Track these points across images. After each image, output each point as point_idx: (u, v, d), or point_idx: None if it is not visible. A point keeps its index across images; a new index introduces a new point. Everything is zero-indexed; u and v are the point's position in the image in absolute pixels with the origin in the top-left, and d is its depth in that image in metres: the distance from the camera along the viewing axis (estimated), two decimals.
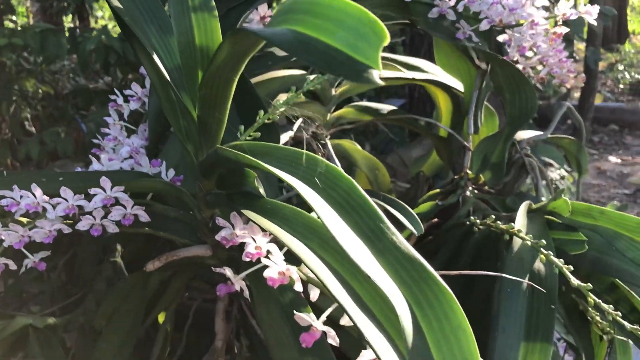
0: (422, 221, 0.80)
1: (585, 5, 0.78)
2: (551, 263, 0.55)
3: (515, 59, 0.77)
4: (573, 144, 0.87)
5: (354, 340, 0.43)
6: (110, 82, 2.53)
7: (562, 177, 3.32)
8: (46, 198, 0.50)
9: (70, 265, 0.98)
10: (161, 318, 0.68)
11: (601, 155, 4.85)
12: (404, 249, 0.33)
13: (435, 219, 0.82)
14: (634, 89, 6.60)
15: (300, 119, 0.87)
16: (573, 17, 0.73)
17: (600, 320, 0.64)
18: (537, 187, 0.79)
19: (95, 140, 0.69)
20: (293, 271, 0.40)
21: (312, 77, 0.79)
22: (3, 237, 0.52)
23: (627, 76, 7.03)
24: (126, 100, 0.70)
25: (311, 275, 0.42)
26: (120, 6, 0.46)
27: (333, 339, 0.39)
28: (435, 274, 0.32)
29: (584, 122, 3.30)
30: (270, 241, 0.42)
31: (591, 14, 0.73)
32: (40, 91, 2.98)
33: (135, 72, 2.00)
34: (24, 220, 0.54)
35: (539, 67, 0.80)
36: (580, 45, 5.12)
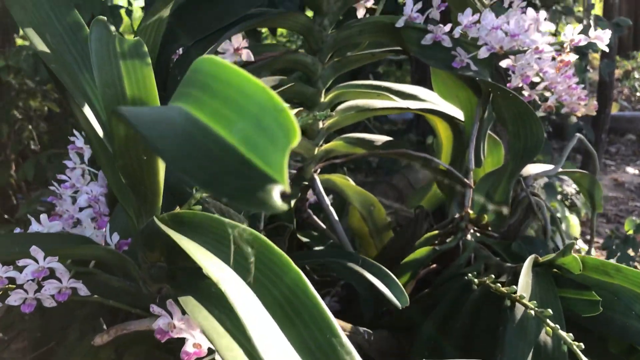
0: (419, 267, 0.72)
1: (598, 14, 0.70)
2: (560, 338, 0.47)
3: (520, 85, 0.70)
4: (585, 178, 0.79)
5: None
6: None
7: (578, 192, 3.22)
8: None
9: (42, 315, 0.92)
10: None
11: (618, 166, 4.72)
12: None
13: (434, 265, 0.74)
14: None
15: None
16: (582, 44, 0.65)
17: None
18: (546, 231, 0.71)
19: (51, 187, 0.63)
20: None
21: (294, 111, 0.72)
22: None
23: None
24: (87, 142, 0.63)
25: None
26: (47, 50, 0.40)
27: None
28: None
29: (600, 134, 3.19)
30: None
31: (602, 40, 0.65)
32: (45, 109, 2.95)
33: None
34: None
35: (547, 94, 0.72)
36: (595, 55, 5.01)
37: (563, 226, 2.63)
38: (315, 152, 0.79)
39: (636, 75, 7.25)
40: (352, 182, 0.85)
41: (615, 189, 4.22)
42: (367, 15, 0.75)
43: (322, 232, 0.86)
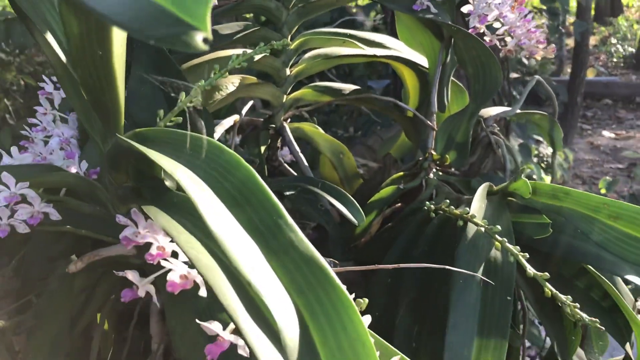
0: (383, 206, 0.75)
1: None
2: (507, 251, 0.50)
3: (482, 31, 0.72)
4: (545, 120, 0.82)
5: None
6: None
7: (554, 153, 3.28)
8: None
9: (22, 266, 0.94)
10: (99, 319, 0.64)
11: (595, 130, 4.81)
12: (303, 248, 0.28)
13: (399, 204, 0.77)
14: (628, 63, 6.54)
15: (251, 102, 0.82)
16: None
17: (573, 307, 0.60)
18: (505, 167, 0.74)
19: (23, 132, 0.64)
20: (196, 275, 0.35)
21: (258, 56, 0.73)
22: None
23: (621, 50, 6.96)
24: (56, 87, 0.65)
25: None
26: None
27: (243, 349, 0.34)
28: (334, 277, 0.27)
29: (575, 97, 3.24)
30: (172, 241, 0.37)
31: None
32: (22, 83, 2.92)
33: None
34: None
35: (508, 39, 0.75)
36: (570, 19, 5.04)
37: None
38: (284, 99, 0.80)
39: (613, 41, 7.31)
40: (321, 130, 0.88)
41: (591, 152, 4.30)
42: None
43: None
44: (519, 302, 0.79)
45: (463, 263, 0.51)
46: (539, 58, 0.77)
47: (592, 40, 7.49)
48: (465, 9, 0.72)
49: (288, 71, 0.79)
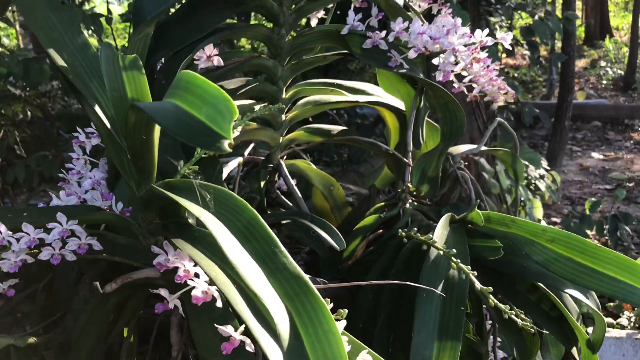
0: (367, 233, 0.87)
1: (548, 10, 0.84)
2: (461, 270, 0.62)
3: (451, 79, 0.84)
4: (507, 155, 0.95)
5: None
6: None
7: (542, 177, 3.41)
8: (10, 233, 0.57)
9: (50, 288, 1.06)
10: (126, 332, 0.75)
11: (584, 152, 4.94)
12: (292, 269, 0.40)
13: (380, 230, 0.89)
14: (617, 85, 6.70)
15: (252, 145, 0.94)
16: (489, 44, 0.80)
17: (524, 324, 0.71)
18: (471, 197, 0.86)
19: (60, 175, 0.77)
20: (214, 291, 0.47)
21: (257, 107, 0.86)
22: None
23: (610, 72, 7.13)
24: (87, 137, 0.77)
25: None
26: (65, 65, 0.54)
27: (250, 346, 0.46)
28: (315, 290, 0.39)
29: (563, 121, 3.38)
30: (197, 265, 0.49)
31: (505, 40, 0.81)
32: (29, 114, 3.05)
33: None
34: None
35: (474, 86, 0.87)
36: (559, 45, 5.21)
37: (527, 208, 2.80)
38: (280, 140, 0.93)
39: (602, 64, 7.50)
40: (313, 166, 1.00)
41: (581, 173, 4.43)
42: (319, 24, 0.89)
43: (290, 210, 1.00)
44: (487, 317, 0.90)
45: (426, 280, 0.63)
46: (500, 102, 0.90)
47: (582, 63, 7.67)
48: (435, 61, 0.84)
49: (284, 117, 0.92)
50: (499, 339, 0.91)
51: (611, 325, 2.15)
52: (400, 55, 0.82)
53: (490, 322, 0.89)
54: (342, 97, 0.92)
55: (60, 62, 0.54)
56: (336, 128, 0.99)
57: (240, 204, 0.44)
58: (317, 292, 0.39)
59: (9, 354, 0.89)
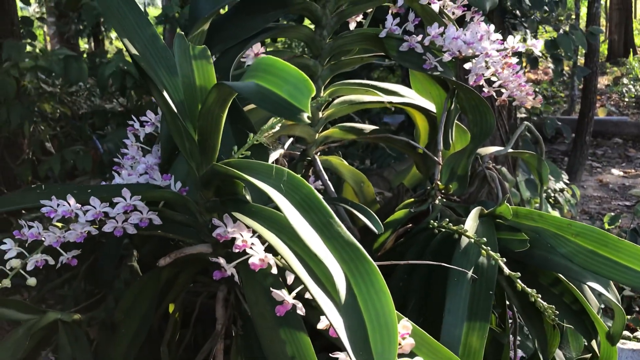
0: (397, 226, 0.92)
1: (572, 24, 0.89)
2: (491, 257, 0.66)
3: (481, 83, 0.89)
4: (533, 158, 0.99)
5: (317, 312, 0.55)
6: (125, 103, 2.68)
7: (562, 190, 3.42)
8: (78, 206, 0.63)
9: (92, 270, 1.12)
10: (171, 308, 0.81)
11: (604, 168, 4.93)
12: (346, 237, 0.45)
13: (410, 225, 0.94)
14: (639, 103, 6.67)
15: (291, 139, 0.99)
16: (521, 50, 0.84)
17: (548, 309, 0.75)
18: (498, 195, 0.91)
19: (115, 159, 0.82)
20: (270, 258, 0.52)
21: None
22: (44, 238, 0.64)
23: (633, 90, 7.09)
24: (142, 125, 0.83)
25: (286, 262, 0.54)
26: (137, 53, 0.59)
27: (300, 310, 0.51)
28: (367, 255, 0.44)
29: (584, 136, 3.39)
30: (254, 236, 0.54)
31: (536, 47, 0.85)
32: (58, 112, 3.14)
33: (149, 95, 2.15)
34: (59, 224, 0.67)
35: (503, 90, 0.91)
36: (581, 60, 5.22)
37: None
38: (316, 137, 0.98)
39: (625, 81, 7.47)
40: (345, 162, 1.05)
41: (600, 189, 4.43)
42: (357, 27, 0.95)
43: None
44: (510, 311, 0.94)
45: (457, 265, 0.67)
46: (528, 106, 0.94)
47: (605, 80, 7.64)
48: (466, 66, 0.89)
49: (320, 114, 0.97)
50: (518, 338, 0.95)
51: (628, 338, 2.16)
52: (435, 58, 0.87)
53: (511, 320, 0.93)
54: (377, 98, 0.97)
55: (133, 50, 0.59)
56: (369, 127, 1.04)
57: (298, 181, 0.49)
58: (369, 256, 0.44)
59: (57, 328, 0.95)
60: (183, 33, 0.57)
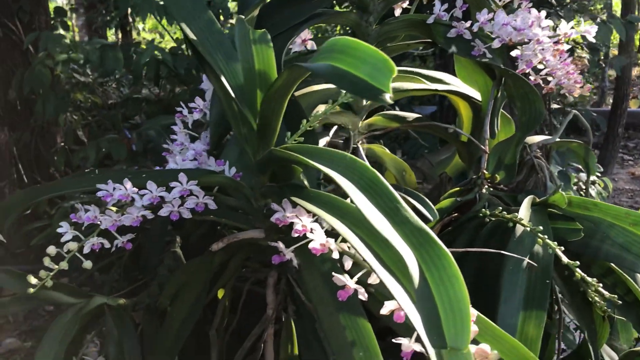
0: (443, 215, 0.91)
1: (611, 12, 0.87)
2: (547, 246, 0.65)
3: (527, 71, 0.87)
4: (581, 147, 0.97)
5: (376, 299, 0.55)
6: (157, 93, 2.70)
7: (593, 182, 3.36)
8: (135, 190, 0.64)
9: (135, 256, 1.13)
10: (220, 294, 0.81)
11: (636, 161, 4.83)
12: (415, 222, 0.44)
13: (455, 214, 0.93)
14: None
15: (335, 127, 0.99)
16: (573, 36, 0.83)
17: (599, 300, 0.74)
18: (546, 185, 0.89)
19: (165, 145, 0.83)
20: (331, 242, 0.52)
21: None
22: (100, 221, 0.65)
23: None
24: (190, 112, 0.83)
25: (345, 247, 0.54)
26: (195, 38, 0.59)
27: (362, 295, 0.51)
28: (438, 240, 0.43)
29: (617, 128, 3.34)
30: (313, 221, 0.54)
31: (589, 33, 0.83)
32: (89, 102, 3.18)
33: (183, 85, 2.16)
34: (114, 208, 0.68)
35: (549, 79, 0.89)
36: (614, 51, 5.11)
37: None
38: (360, 125, 0.97)
39: None
40: (387, 151, 1.04)
41: (632, 182, 4.35)
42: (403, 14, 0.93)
43: None
44: (556, 305, 0.92)
45: (512, 253, 0.66)
46: (576, 95, 0.92)
47: (637, 72, 7.48)
48: (513, 53, 0.87)
49: (364, 102, 0.96)
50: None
51: None
52: (484, 45, 0.85)
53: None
54: (422, 85, 0.96)
55: (191, 35, 0.59)
56: (412, 115, 1.03)
57: (361, 165, 0.48)
58: (440, 242, 0.43)
59: (103, 312, 0.96)
60: (242, 17, 0.56)
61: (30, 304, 1.01)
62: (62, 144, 2.79)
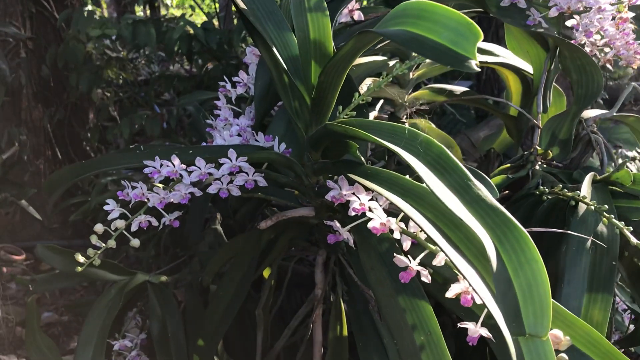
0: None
1: None
2: (613, 225, 0.62)
3: (582, 42, 0.83)
4: (638, 122, 0.92)
5: (438, 284, 0.52)
6: (189, 69, 2.69)
7: (634, 159, 3.27)
8: (183, 166, 0.62)
9: (175, 233, 1.12)
10: (266, 274, 0.79)
11: None
12: (489, 201, 0.41)
13: (506, 191, 0.89)
14: None
15: (382, 101, 0.96)
16: (639, 2, 0.78)
17: None
18: (603, 162, 0.85)
19: (207, 121, 0.81)
20: (392, 222, 0.49)
21: (391, 62, 0.87)
22: (148, 199, 0.63)
23: None
24: (234, 86, 0.81)
25: (404, 227, 0.51)
26: (246, 8, 0.57)
27: (426, 277, 0.48)
28: (515, 221, 0.40)
29: None
30: (371, 199, 0.51)
31: None
32: (120, 78, 3.19)
33: (215, 60, 2.13)
34: (161, 185, 0.66)
35: (606, 50, 0.85)
36: None
37: None
38: (406, 98, 0.94)
39: None
40: (433, 126, 1.01)
41: None
42: None
43: None
44: None
45: (575, 233, 0.63)
46: (635, 67, 0.87)
47: None
48: (569, 23, 0.83)
49: (411, 74, 0.92)
50: None
51: None
52: (539, 14, 0.81)
53: None
54: None
55: (241, 4, 0.57)
56: (458, 88, 0.99)
57: (425, 139, 0.46)
58: (517, 222, 0.40)
59: (145, 289, 0.96)
60: None
61: (73, 281, 1.01)
62: (95, 120, 2.80)
